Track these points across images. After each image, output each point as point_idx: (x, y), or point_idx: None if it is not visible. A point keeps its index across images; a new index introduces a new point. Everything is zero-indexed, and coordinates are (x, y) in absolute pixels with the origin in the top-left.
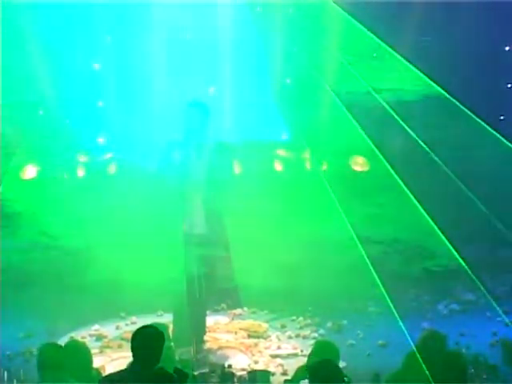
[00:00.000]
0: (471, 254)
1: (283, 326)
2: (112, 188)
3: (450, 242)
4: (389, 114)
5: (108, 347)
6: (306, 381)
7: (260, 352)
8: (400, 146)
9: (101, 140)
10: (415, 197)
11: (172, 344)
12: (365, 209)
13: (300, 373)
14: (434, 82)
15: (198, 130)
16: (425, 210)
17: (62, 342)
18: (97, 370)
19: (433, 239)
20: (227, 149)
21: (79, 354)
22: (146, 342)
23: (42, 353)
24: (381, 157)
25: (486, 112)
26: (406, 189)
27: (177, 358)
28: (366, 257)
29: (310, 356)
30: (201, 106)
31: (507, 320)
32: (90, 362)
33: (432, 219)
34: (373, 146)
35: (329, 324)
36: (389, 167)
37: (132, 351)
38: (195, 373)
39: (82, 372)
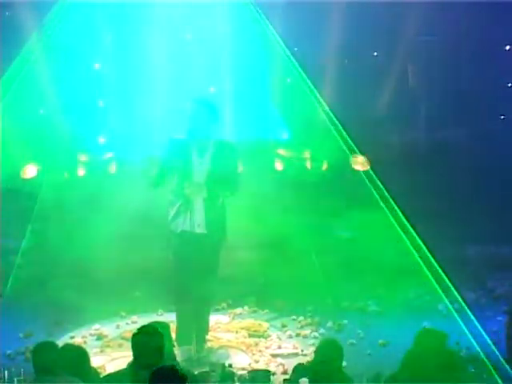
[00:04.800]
0: (472, 253)
1: (284, 326)
2: (113, 187)
3: (451, 242)
4: None
5: (108, 346)
6: (305, 379)
7: (260, 351)
8: (400, 142)
9: (101, 139)
10: (417, 196)
11: (174, 343)
12: (364, 207)
13: (298, 370)
14: (434, 81)
15: (203, 129)
16: (426, 209)
17: (63, 341)
18: (95, 369)
19: (433, 238)
20: (230, 148)
21: (76, 356)
22: (147, 341)
23: (37, 352)
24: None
25: (486, 111)
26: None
27: (178, 358)
28: (366, 256)
29: (315, 354)
30: (209, 105)
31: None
32: (88, 362)
33: (433, 218)
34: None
35: (329, 323)
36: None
37: (132, 350)
38: (195, 372)
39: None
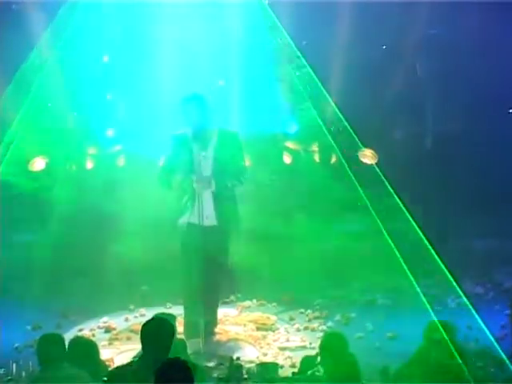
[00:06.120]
0: (480, 247)
1: (291, 319)
2: (121, 180)
3: (459, 235)
4: None
5: (117, 339)
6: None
7: (268, 344)
8: (408, 135)
9: (110, 132)
10: (425, 190)
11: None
12: (372, 201)
13: (306, 363)
14: (443, 75)
15: (200, 122)
16: (433, 203)
17: (71, 334)
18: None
19: (441, 232)
20: (232, 136)
21: (85, 349)
22: (156, 333)
23: (41, 344)
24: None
25: (494, 105)
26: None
27: (189, 351)
28: (374, 249)
29: (320, 347)
30: (197, 98)
31: None
32: (97, 355)
33: (441, 212)
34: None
35: (337, 317)
36: None
37: (141, 343)
38: (203, 365)
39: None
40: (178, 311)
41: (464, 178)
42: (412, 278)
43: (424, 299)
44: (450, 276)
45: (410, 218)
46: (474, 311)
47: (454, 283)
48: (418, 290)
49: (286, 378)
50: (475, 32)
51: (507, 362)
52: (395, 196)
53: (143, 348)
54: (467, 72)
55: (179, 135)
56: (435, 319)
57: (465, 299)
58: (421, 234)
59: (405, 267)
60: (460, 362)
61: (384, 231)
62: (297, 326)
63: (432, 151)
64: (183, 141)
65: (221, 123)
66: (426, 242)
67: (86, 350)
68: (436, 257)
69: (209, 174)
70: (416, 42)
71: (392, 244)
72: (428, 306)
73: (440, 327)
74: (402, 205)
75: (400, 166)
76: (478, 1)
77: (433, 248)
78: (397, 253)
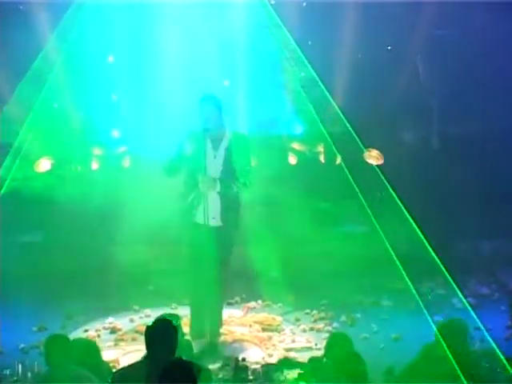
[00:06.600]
0: (486, 247)
1: (297, 320)
2: (126, 181)
3: (464, 236)
4: None
5: (122, 340)
6: None
7: (274, 345)
8: (413, 136)
9: (115, 133)
10: (430, 191)
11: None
12: (377, 202)
13: (311, 364)
14: (448, 76)
15: (212, 123)
16: (439, 204)
17: (76, 334)
18: (107, 363)
19: (446, 233)
20: (244, 140)
21: (86, 350)
22: (160, 334)
23: (48, 344)
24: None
25: (500, 106)
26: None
27: (194, 351)
28: (379, 250)
29: (326, 348)
30: (212, 99)
31: None
32: (99, 356)
33: (447, 213)
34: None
35: (343, 318)
36: None
37: (146, 344)
38: (209, 365)
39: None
40: (183, 312)
41: (469, 179)
42: (417, 279)
43: (429, 300)
44: (455, 277)
45: (415, 219)
46: (479, 312)
47: (460, 284)
48: (423, 291)
49: (291, 379)
50: (482, 32)
51: (506, 364)
52: (400, 197)
53: (148, 349)
54: (473, 72)
55: (195, 132)
56: (440, 320)
57: (470, 300)
58: (426, 235)
59: (410, 268)
60: (465, 362)
61: (389, 232)
62: (302, 326)
63: (437, 152)
64: (198, 138)
65: (227, 124)
66: (431, 242)
67: (86, 350)
68: (441, 258)
69: (216, 174)
70: (421, 43)
71: (397, 245)
72: (432, 307)
73: (453, 326)
74: (407, 206)
75: (405, 166)
76: (484, 1)
77: (438, 249)
78: (401, 254)
